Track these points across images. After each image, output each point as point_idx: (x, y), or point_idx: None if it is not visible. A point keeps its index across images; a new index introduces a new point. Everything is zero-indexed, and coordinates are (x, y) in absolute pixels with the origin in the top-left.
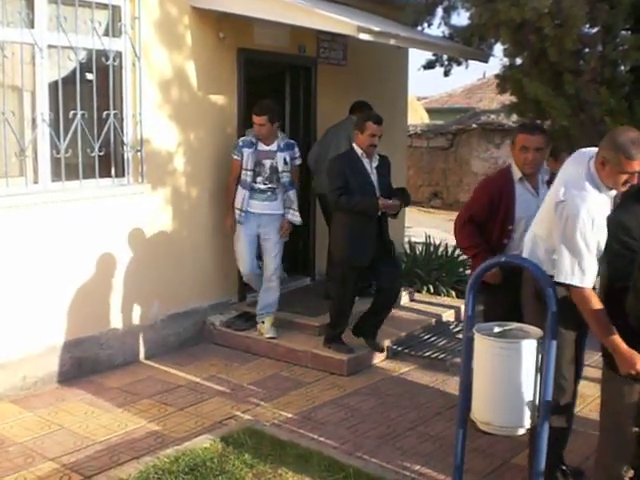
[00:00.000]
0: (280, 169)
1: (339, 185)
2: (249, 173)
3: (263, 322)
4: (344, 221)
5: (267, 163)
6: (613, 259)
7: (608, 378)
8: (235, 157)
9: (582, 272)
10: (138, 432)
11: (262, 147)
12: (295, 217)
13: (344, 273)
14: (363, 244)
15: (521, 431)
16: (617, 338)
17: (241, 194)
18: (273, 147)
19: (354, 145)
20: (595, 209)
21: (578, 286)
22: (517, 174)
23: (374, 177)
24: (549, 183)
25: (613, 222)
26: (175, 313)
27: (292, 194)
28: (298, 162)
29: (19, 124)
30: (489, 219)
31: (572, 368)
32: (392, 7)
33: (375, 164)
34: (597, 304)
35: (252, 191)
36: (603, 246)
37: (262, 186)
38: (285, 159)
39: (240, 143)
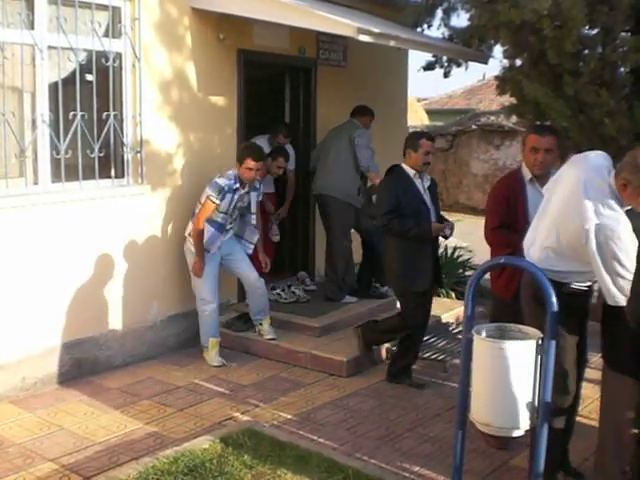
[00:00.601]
0: (253, 209)
1: (390, 208)
2: (226, 217)
3: (261, 324)
4: (396, 245)
5: (239, 205)
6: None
7: (608, 379)
8: (216, 201)
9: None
10: (137, 433)
11: (240, 191)
12: (249, 249)
13: (416, 301)
14: (421, 267)
15: (520, 432)
16: None
17: (211, 234)
18: (246, 188)
19: (403, 165)
20: (628, 226)
21: None
22: (527, 175)
23: (427, 198)
24: None
25: None
26: (174, 314)
27: (257, 232)
28: (260, 198)
29: (19, 125)
30: (512, 220)
31: (574, 370)
32: (392, 8)
33: (427, 184)
34: None
35: (221, 232)
36: None
37: (229, 226)
38: (256, 199)
39: (225, 188)
